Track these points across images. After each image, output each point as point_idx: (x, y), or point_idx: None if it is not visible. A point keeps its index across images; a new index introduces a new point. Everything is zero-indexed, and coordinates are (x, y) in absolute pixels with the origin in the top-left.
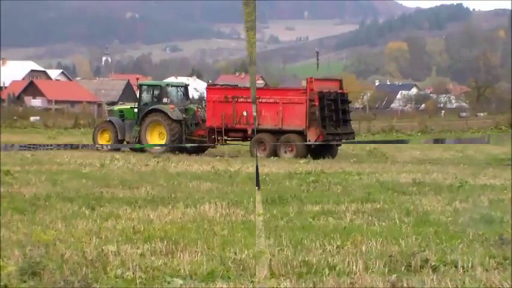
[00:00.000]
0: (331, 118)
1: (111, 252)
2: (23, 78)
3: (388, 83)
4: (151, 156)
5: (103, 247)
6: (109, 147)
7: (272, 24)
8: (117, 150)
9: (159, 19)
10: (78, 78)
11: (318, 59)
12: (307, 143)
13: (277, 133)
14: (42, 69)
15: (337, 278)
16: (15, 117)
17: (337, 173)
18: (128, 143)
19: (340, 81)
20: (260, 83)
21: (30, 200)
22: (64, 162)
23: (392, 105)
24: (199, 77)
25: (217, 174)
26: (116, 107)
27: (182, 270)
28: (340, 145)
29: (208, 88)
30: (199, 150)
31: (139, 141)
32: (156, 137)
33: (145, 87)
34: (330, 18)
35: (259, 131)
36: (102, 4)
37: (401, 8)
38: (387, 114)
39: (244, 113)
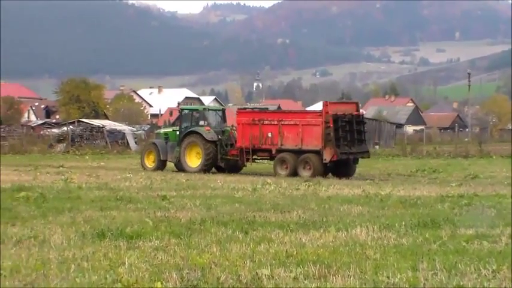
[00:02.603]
0: (345, 138)
1: (265, 275)
2: (178, 105)
3: None
4: (302, 180)
5: (257, 271)
6: None
7: (422, 47)
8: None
9: (309, 44)
10: (230, 104)
11: (469, 81)
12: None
13: (298, 153)
14: (196, 96)
15: None
16: None
17: (490, 196)
18: (171, 162)
19: (357, 104)
20: (410, 105)
21: (185, 224)
22: (217, 186)
23: None
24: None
25: (368, 197)
26: (162, 130)
27: None
28: (356, 163)
29: (238, 112)
30: (234, 169)
31: (179, 161)
32: (194, 157)
33: (186, 111)
34: (482, 39)
35: (281, 150)
36: (254, 31)
37: None
38: None
39: (269, 135)
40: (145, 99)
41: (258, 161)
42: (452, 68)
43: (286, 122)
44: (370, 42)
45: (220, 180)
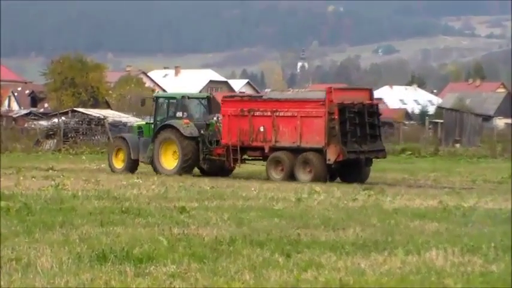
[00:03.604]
0: (354, 133)
1: None
2: (200, 91)
3: None
4: (360, 189)
5: None
6: None
7: None
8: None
9: (370, 14)
10: (267, 90)
11: None
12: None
13: (296, 151)
14: (224, 79)
15: None
16: None
17: None
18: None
19: (370, 90)
20: (501, 91)
21: (210, 244)
22: (251, 196)
23: None
24: (421, 85)
25: (446, 211)
26: (136, 123)
27: None
28: (369, 165)
29: (223, 100)
30: (220, 171)
31: (153, 161)
32: (170, 157)
33: (162, 99)
34: None
35: (276, 148)
36: None
37: None
38: None
39: (261, 129)
40: (158, 83)
41: (249, 161)
42: None
43: (281, 113)
44: (449, 11)
45: (255, 188)
